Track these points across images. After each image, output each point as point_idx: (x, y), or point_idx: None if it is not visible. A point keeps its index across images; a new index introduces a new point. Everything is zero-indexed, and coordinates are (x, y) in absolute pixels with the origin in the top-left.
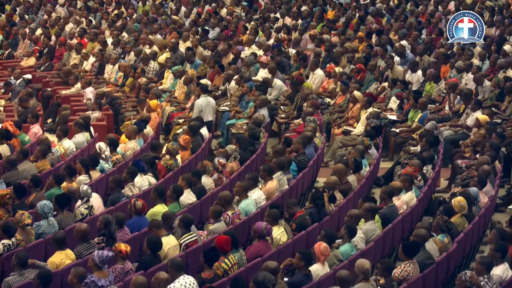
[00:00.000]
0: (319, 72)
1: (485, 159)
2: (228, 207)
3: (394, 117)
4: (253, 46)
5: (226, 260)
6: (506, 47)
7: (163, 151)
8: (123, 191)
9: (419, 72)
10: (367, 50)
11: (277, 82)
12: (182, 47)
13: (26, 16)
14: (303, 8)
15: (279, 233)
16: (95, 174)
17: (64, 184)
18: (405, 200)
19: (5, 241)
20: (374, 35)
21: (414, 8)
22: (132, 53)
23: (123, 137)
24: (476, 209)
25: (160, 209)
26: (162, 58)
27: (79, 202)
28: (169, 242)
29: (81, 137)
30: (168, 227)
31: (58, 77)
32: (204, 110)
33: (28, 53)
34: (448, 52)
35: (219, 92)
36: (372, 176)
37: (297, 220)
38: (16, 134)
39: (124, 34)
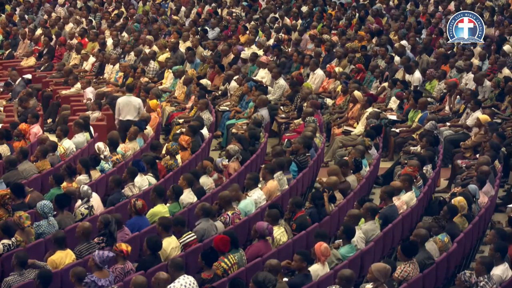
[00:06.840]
0: (319, 72)
1: (485, 159)
2: (228, 207)
3: (394, 117)
4: (253, 46)
5: (226, 260)
6: (506, 47)
7: (163, 151)
8: (123, 191)
9: (417, 73)
10: (362, 52)
11: (280, 81)
12: (182, 47)
13: (26, 16)
14: (303, 8)
15: (279, 233)
16: (95, 174)
17: (64, 184)
18: (405, 200)
19: (5, 241)
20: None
21: (414, 8)
22: (132, 53)
23: None
24: (476, 207)
25: (160, 209)
26: (162, 58)
27: (79, 202)
28: (171, 243)
29: (81, 137)
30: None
31: (59, 75)
32: (123, 109)
33: (28, 53)
34: (448, 52)
35: (219, 92)
36: (372, 176)
37: (297, 220)
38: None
39: (124, 34)
